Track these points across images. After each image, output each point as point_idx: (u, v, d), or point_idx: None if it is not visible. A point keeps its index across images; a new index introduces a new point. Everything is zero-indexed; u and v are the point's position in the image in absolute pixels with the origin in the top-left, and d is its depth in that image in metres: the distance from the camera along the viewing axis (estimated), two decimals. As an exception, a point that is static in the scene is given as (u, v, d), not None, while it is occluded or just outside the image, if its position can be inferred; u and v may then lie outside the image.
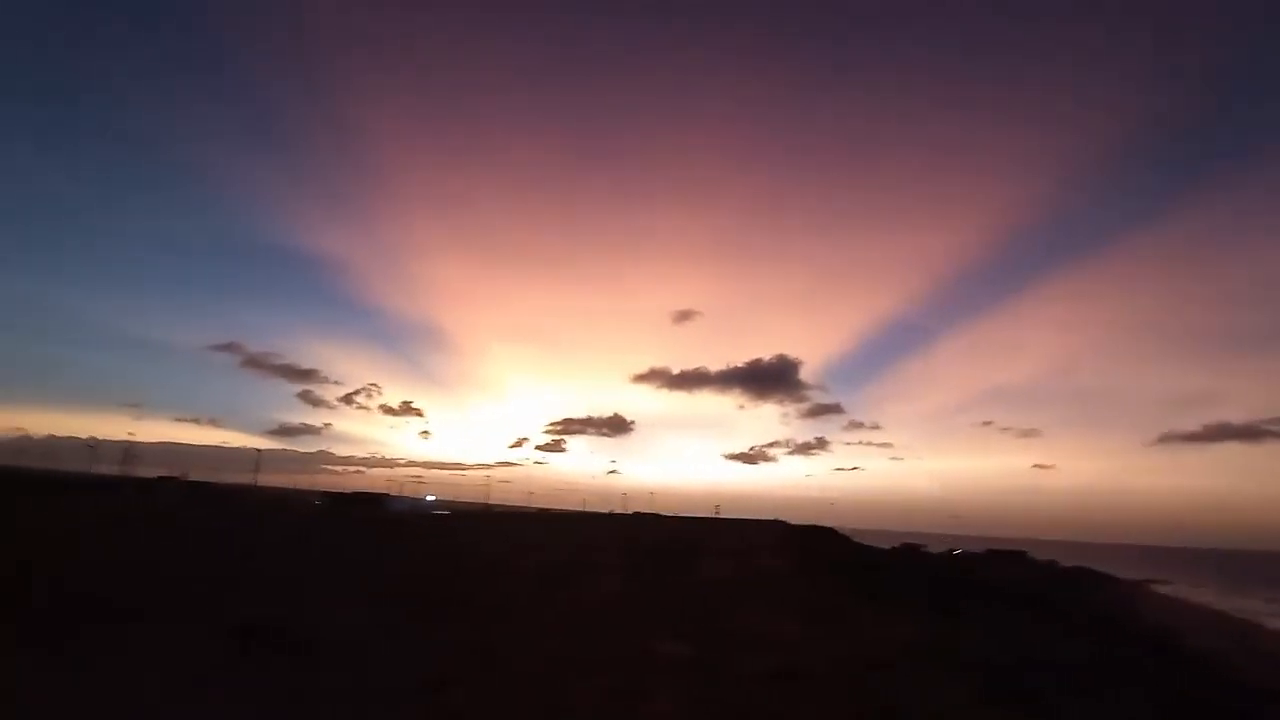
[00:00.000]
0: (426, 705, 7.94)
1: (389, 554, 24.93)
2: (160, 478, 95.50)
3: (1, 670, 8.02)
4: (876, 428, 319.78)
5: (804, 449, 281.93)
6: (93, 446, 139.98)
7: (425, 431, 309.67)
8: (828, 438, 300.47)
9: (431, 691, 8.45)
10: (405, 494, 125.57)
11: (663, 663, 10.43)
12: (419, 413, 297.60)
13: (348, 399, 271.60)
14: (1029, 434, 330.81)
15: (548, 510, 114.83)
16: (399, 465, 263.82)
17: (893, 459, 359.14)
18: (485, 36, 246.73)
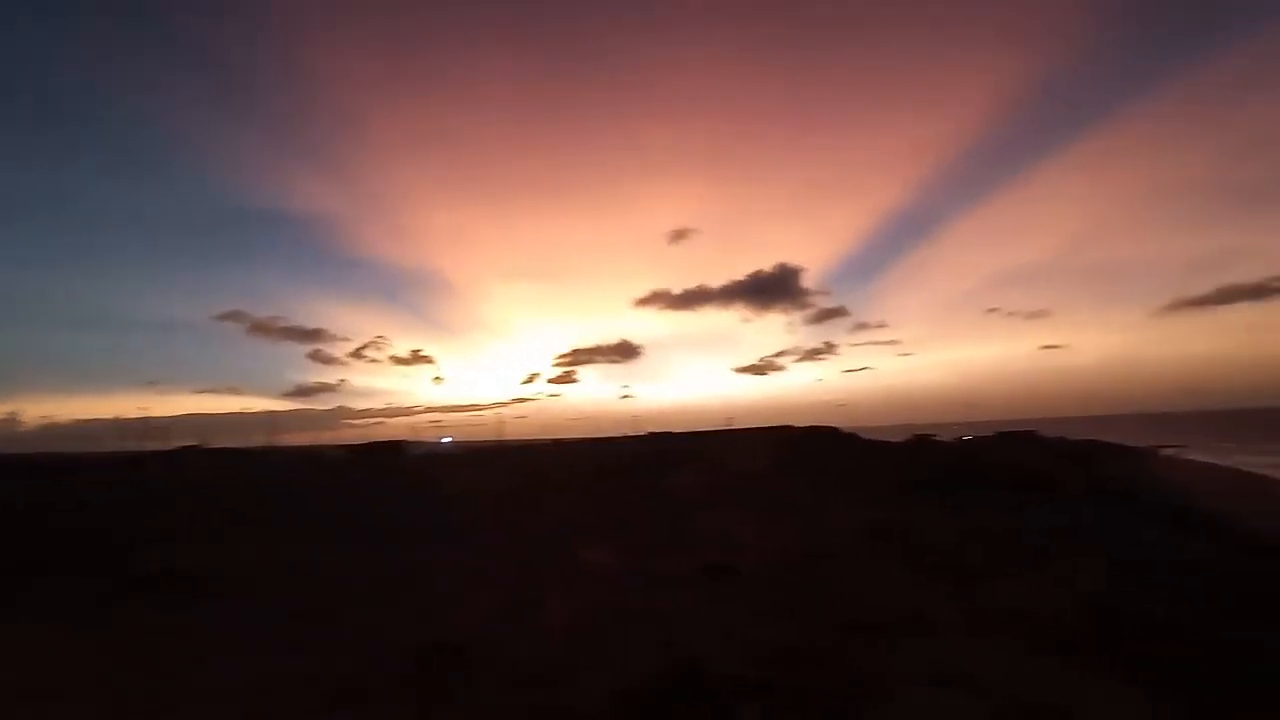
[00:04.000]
0: (301, 631, 7.45)
1: (369, 494, 24.91)
2: (182, 448, 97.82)
3: None
4: (883, 326, 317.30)
5: (812, 355, 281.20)
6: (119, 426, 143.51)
7: (438, 377, 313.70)
8: (835, 341, 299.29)
9: (321, 618, 7.99)
10: (422, 439, 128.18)
11: (581, 571, 9.89)
12: (429, 359, 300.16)
13: (358, 354, 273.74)
14: (1037, 315, 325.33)
15: (561, 440, 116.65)
16: (416, 412, 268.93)
17: (901, 354, 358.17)
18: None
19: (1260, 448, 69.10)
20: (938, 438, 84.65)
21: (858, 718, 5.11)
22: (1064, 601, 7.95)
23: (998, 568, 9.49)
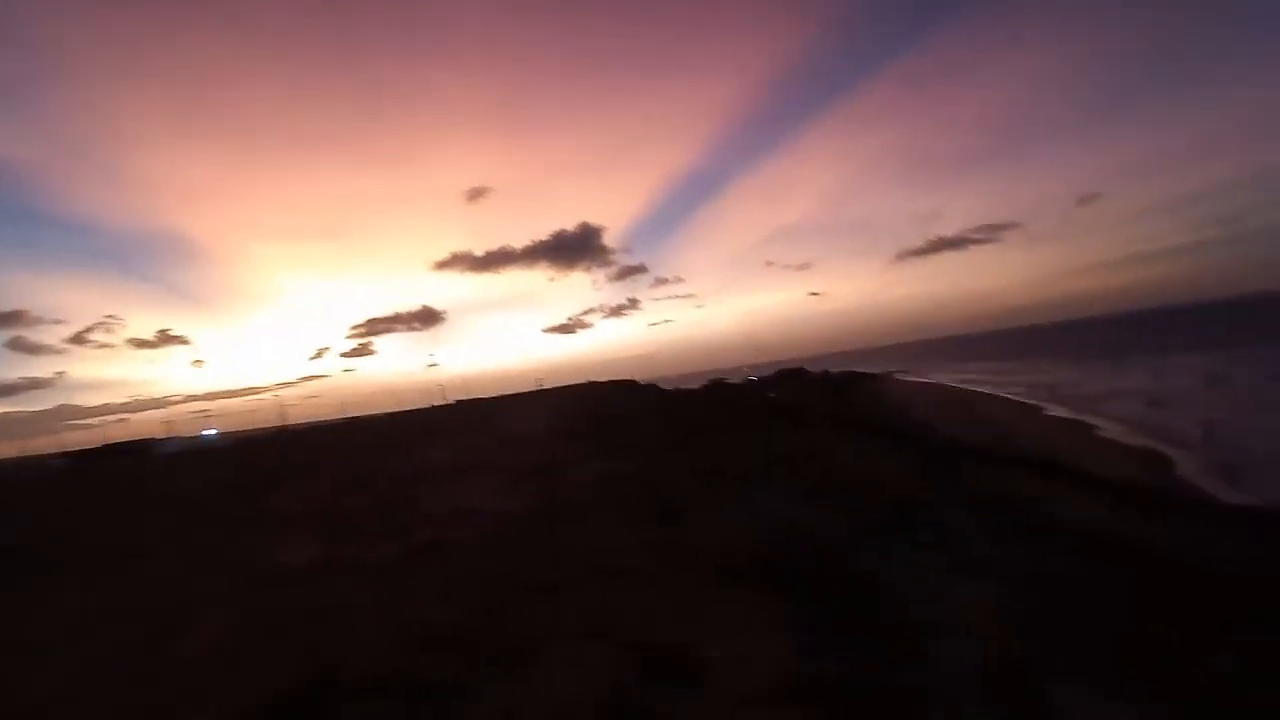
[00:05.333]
0: None
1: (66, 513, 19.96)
2: None
3: None
4: (680, 280, 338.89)
5: (617, 311, 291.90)
6: None
7: (198, 360, 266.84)
8: (638, 297, 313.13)
9: None
10: (177, 434, 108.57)
11: (257, 575, 8.43)
12: (183, 340, 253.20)
13: (79, 339, 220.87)
14: (804, 266, 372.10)
15: (357, 418, 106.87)
16: (173, 403, 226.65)
17: (697, 307, 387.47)
18: None
19: (963, 368, 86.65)
20: (729, 380, 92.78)
21: (481, 693, 4.67)
22: (754, 532, 8.45)
23: (711, 504, 9.95)
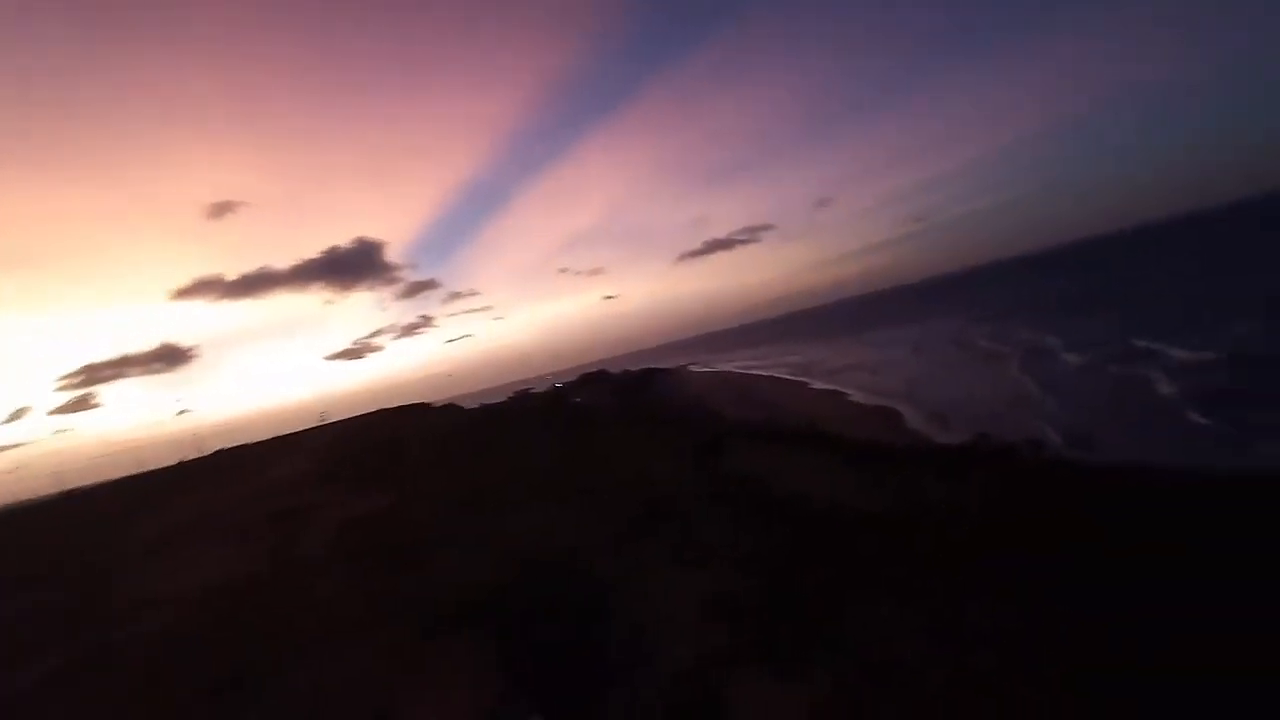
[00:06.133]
0: None
1: None
2: None
3: None
4: (475, 293, 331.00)
5: (410, 330, 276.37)
6: None
7: None
8: (431, 313, 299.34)
9: None
10: None
11: None
12: None
13: None
14: (596, 271, 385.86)
15: (74, 491, 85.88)
16: None
17: (496, 319, 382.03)
18: None
19: (742, 355, 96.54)
20: (534, 390, 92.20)
21: None
22: (493, 562, 8.09)
23: (456, 537, 9.40)
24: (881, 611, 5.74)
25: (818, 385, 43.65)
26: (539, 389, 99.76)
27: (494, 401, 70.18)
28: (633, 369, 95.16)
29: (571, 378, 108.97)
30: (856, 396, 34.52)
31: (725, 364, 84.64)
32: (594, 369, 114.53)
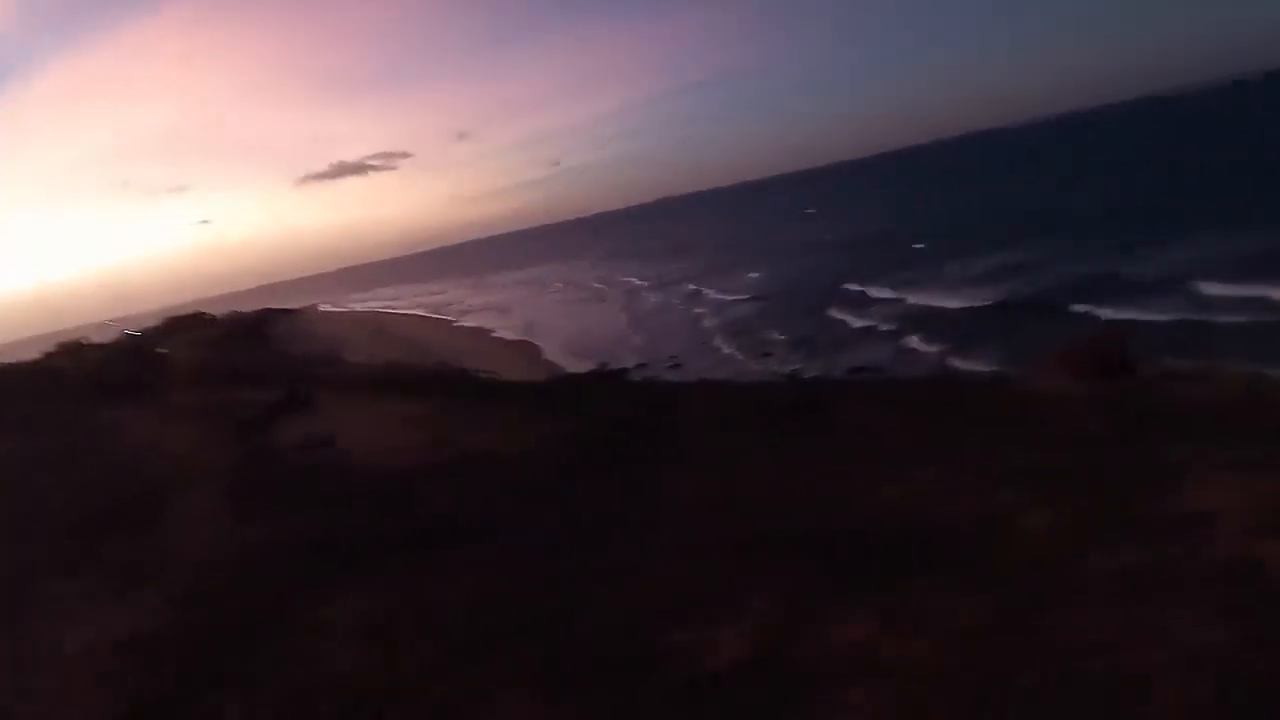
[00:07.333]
0: None
1: None
2: None
3: None
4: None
5: None
6: None
7: None
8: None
9: None
10: None
11: None
12: None
13: None
14: (179, 189, 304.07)
15: None
16: None
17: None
18: None
19: (379, 294, 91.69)
20: (92, 340, 71.08)
21: None
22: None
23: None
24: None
25: (462, 323, 45.82)
26: (100, 337, 77.41)
27: (24, 358, 51.96)
28: (245, 310, 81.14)
29: (153, 321, 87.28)
30: (500, 333, 37.90)
31: (361, 303, 79.15)
32: (187, 311, 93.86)
